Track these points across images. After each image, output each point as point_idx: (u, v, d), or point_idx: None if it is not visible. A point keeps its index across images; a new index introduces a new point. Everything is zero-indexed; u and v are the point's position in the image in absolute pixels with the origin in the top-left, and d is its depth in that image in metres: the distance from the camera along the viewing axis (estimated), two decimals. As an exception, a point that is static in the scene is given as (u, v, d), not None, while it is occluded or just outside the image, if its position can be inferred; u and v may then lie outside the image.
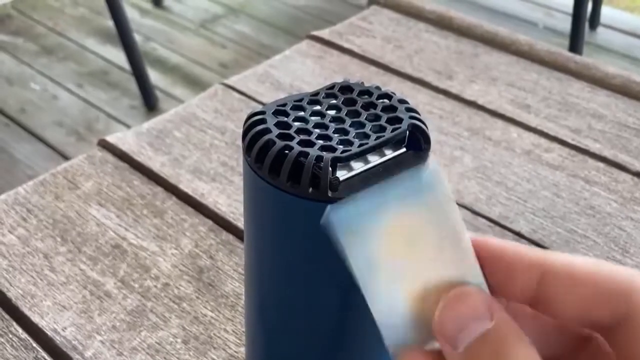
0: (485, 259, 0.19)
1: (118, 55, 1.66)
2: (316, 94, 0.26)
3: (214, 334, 0.37)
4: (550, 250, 0.25)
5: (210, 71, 1.72)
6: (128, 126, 1.52)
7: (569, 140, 0.53)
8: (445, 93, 0.58)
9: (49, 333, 0.37)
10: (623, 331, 0.17)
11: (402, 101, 0.26)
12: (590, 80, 0.60)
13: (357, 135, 0.24)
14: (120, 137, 0.52)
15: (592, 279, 0.18)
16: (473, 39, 0.65)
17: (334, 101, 0.26)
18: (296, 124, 0.24)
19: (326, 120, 0.25)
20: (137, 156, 0.50)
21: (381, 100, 0.26)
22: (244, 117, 0.26)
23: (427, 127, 0.25)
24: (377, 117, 0.25)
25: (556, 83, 0.60)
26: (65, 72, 1.70)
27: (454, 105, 0.56)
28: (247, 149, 0.24)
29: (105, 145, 0.52)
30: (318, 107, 0.25)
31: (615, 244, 0.44)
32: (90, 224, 0.45)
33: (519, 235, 0.45)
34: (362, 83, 0.27)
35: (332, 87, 0.27)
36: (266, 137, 0.24)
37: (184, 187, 0.48)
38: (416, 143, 0.24)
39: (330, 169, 0.22)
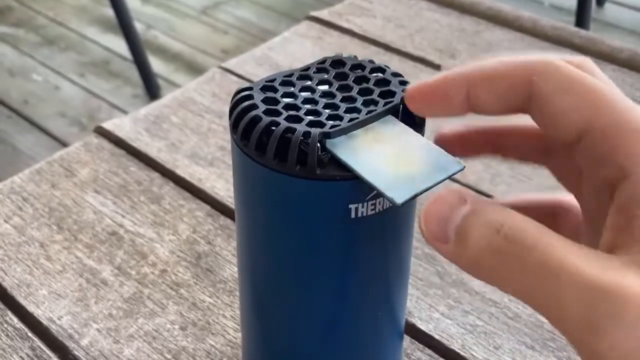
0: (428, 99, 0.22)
1: (119, 44, 1.65)
2: (306, 69, 0.25)
3: (213, 319, 0.37)
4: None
5: (213, 58, 1.71)
6: (131, 115, 1.52)
7: (575, 117, 0.52)
8: (447, 71, 0.57)
9: (44, 322, 0.36)
10: (535, 104, 0.21)
11: (395, 74, 0.25)
12: (596, 55, 0.58)
13: (348, 110, 0.23)
14: (116, 124, 0.51)
15: (501, 79, 0.21)
16: (475, 16, 0.64)
17: (325, 76, 0.25)
18: (285, 99, 0.24)
19: (316, 96, 0.24)
20: (133, 142, 0.50)
21: (374, 74, 0.25)
22: (242, 100, 0.25)
23: None
24: (369, 91, 0.24)
25: (561, 59, 0.58)
26: (67, 63, 1.70)
27: (456, 83, 0.55)
28: (234, 126, 0.23)
29: (101, 132, 0.51)
30: (308, 83, 0.24)
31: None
32: (86, 212, 0.44)
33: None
34: (355, 57, 0.26)
35: (323, 61, 0.26)
36: (252, 113, 0.23)
37: (181, 172, 0.47)
38: (410, 116, 0.23)
39: (318, 145, 0.21)
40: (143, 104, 1.56)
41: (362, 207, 0.22)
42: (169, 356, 0.35)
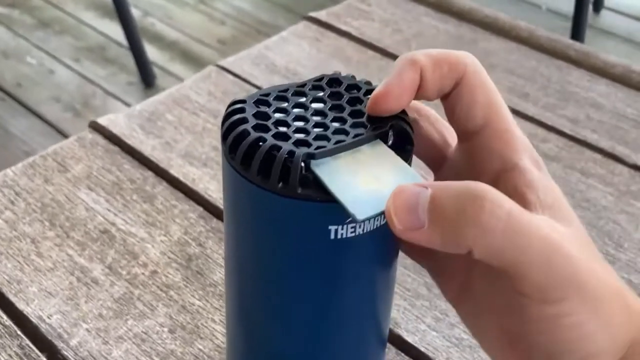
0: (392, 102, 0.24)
1: (116, 30, 1.64)
2: (303, 85, 0.25)
3: (202, 323, 0.37)
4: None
5: (209, 48, 1.70)
6: (125, 103, 1.51)
7: (567, 131, 0.53)
8: (443, 79, 0.57)
9: (34, 320, 0.36)
10: (461, 86, 0.25)
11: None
12: (590, 69, 0.59)
13: (337, 131, 0.23)
14: (111, 119, 0.52)
15: (444, 58, 0.24)
16: (473, 23, 0.64)
17: (320, 94, 0.25)
18: (276, 115, 0.24)
19: (308, 114, 0.24)
20: (128, 139, 0.50)
21: (369, 96, 0.25)
22: (238, 100, 0.25)
23: (411, 129, 0.24)
24: (360, 114, 0.24)
25: (555, 71, 0.59)
26: (62, 46, 1.69)
27: (451, 92, 0.55)
28: (223, 137, 0.23)
29: (96, 127, 0.51)
30: (302, 99, 0.25)
31: (609, 238, 0.44)
32: (79, 209, 0.44)
33: (512, 227, 0.44)
34: (353, 77, 0.26)
35: (320, 79, 0.26)
36: (242, 127, 0.23)
37: (175, 172, 0.47)
38: (400, 141, 0.24)
39: (302, 165, 0.22)
40: (138, 92, 1.55)
41: (342, 229, 0.22)
42: (157, 359, 0.35)
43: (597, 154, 0.51)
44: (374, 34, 0.63)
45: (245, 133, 0.23)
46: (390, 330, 0.37)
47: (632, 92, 0.57)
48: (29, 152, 1.33)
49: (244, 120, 0.23)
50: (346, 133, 0.23)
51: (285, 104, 0.24)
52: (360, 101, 0.25)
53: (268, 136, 0.23)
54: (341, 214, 0.22)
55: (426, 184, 0.21)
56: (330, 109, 0.24)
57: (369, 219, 0.21)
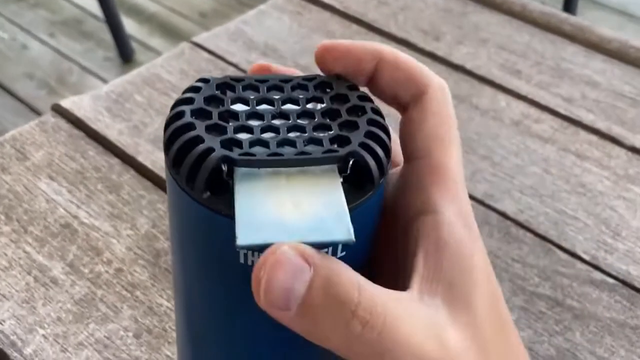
0: (338, 56, 0.22)
1: (93, 3, 1.58)
2: (288, 80, 0.22)
3: (169, 326, 0.34)
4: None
5: (190, 21, 1.65)
6: (102, 79, 1.46)
7: (561, 111, 0.50)
8: (432, 56, 0.54)
9: (-15, 327, 0.33)
10: (416, 107, 0.22)
11: (372, 122, 0.20)
12: (585, 44, 0.56)
13: (284, 143, 0.19)
14: (75, 102, 0.48)
15: (406, 65, 0.22)
16: (462, -4, 0.61)
17: (300, 95, 0.21)
18: (232, 107, 0.20)
19: (267, 113, 0.20)
20: (93, 123, 0.46)
21: (348, 114, 0.21)
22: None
23: (378, 165, 0.19)
24: (326, 129, 0.20)
25: (549, 46, 0.56)
26: (36, 20, 1.62)
27: (440, 69, 0.52)
28: (164, 128, 0.20)
29: (58, 110, 0.47)
30: (276, 96, 0.21)
31: (606, 226, 0.41)
32: (38, 200, 0.41)
33: (503, 216, 0.42)
34: (352, 86, 0.22)
35: (312, 78, 0.22)
36: (181, 108, 0.20)
37: (143, 159, 0.44)
38: (356, 179, 0.19)
39: (221, 167, 0.18)
40: (115, 67, 1.50)
41: (252, 255, 0.19)
42: (120, 367, 0.32)
43: (592, 135, 0.48)
44: (358, 7, 0.59)
45: (180, 115, 0.20)
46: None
47: (629, 69, 0.54)
48: (1, 131, 1.29)
49: (189, 101, 0.20)
50: (294, 147, 0.19)
51: (251, 95, 0.21)
52: (339, 115, 0.21)
53: (200, 126, 0.19)
54: None
55: (310, 258, 0.17)
56: (299, 115, 0.21)
57: (250, 248, 0.18)
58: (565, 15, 0.59)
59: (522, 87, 0.51)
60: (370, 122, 0.20)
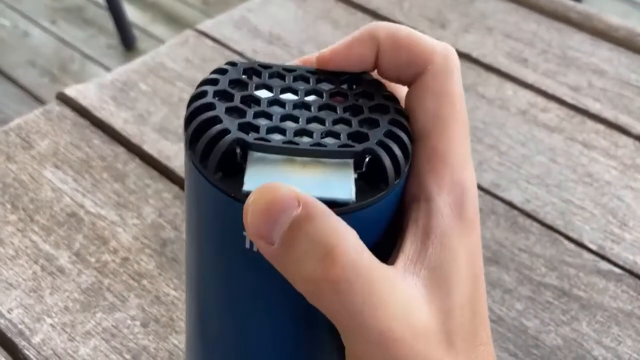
0: (340, 64, 0.22)
1: (94, -10, 1.57)
2: (315, 72, 0.22)
3: (177, 315, 0.34)
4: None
5: (192, 8, 1.64)
6: (104, 67, 1.46)
7: (568, 100, 0.49)
8: (437, 44, 0.53)
9: (-8, 316, 0.34)
10: (417, 85, 0.21)
11: (394, 122, 0.20)
12: (592, 32, 0.55)
13: (302, 132, 0.19)
14: (80, 90, 0.48)
15: (406, 42, 0.21)
16: (468, -17, 0.60)
17: (325, 87, 0.21)
18: (256, 92, 0.20)
19: (289, 102, 0.20)
20: (98, 112, 0.46)
21: (371, 112, 0.20)
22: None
23: (394, 165, 0.19)
24: (346, 124, 0.20)
25: (556, 34, 0.55)
26: (38, 7, 1.61)
27: (445, 57, 0.52)
28: (187, 106, 0.20)
29: (63, 99, 0.47)
30: (302, 86, 0.21)
31: (613, 216, 0.41)
32: (44, 189, 0.41)
33: (510, 205, 0.42)
34: (380, 85, 0.22)
35: (341, 73, 0.22)
36: (204, 88, 0.20)
37: (149, 148, 0.43)
38: (371, 178, 0.19)
39: (235, 149, 0.18)
40: (118, 55, 1.50)
41: None
42: (128, 356, 0.32)
43: (599, 125, 0.48)
44: (363, -6, 0.59)
45: (204, 94, 0.20)
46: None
47: (636, 57, 0.53)
48: (4, 119, 1.28)
49: (214, 82, 0.20)
50: (310, 137, 0.19)
51: (275, 83, 0.21)
52: (361, 112, 0.20)
53: (220, 107, 0.19)
54: None
55: (303, 200, 0.18)
56: (320, 108, 0.20)
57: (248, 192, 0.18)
58: (572, 3, 0.58)
59: (528, 76, 0.51)
60: (392, 122, 0.20)
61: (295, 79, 0.21)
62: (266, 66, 0.21)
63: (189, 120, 0.20)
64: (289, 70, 0.22)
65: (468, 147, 0.21)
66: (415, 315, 0.18)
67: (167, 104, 0.47)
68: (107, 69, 1.43)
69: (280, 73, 0.21)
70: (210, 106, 0.19)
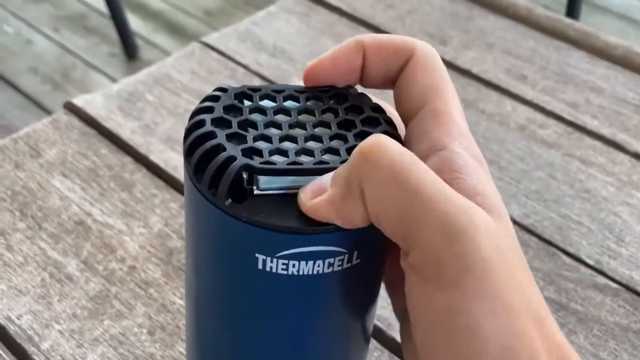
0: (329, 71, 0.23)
1: (97, -1, 1.58)
2: (302, 90, 0.23)
3: (183, 324, 0.35)
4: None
5: (195, 19, 1.65)
6: (107, 75, 1.47)
7: (566, 116, 0.50)
8: (438, 60, 0.54)
9: (1, 321, 0.34)
10: (406, 70, 0.23)
11: (386, 134, 0.21)
12: (589, 50, 0.57)
13: (303, 151, 0.20)
14: (87, 100, 0.49)
15: (389, 41, 0.23)
16: (469, 0, 0.61)
17: (315, 105, 0.22)
18: (251, 116, 0.21)
19: (285, 123, 0.21)
20: (105, 122, 0.47)
21: (363, 125, 0.22)
22: (222, 79, 0.23)
23: None
24: (342, 139, 0.21)
25: (554, 52, 0.56)
26: (41, 15, 1.63)
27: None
28: (185, 135, 0.21)
29: (71, 108, 0.48)
30: (294, 105, 0.22)
31: (610, 232, 0.42)
32: (52, 197, 0.41)
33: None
34: (366, 97, 0.23)
35: (326, 89, 0.23)
36: (201, 117, 0.21)
37: (155, 158, 0.44)
38: None
39: (242, 175, 0.19)
40: (120, 64, 1.51)
41: (271, 262, 0.19)
42: (135, 363, 0.33)
43: (597, 141, 0.49)
44: (366, 9, 0.60)
45: (202, 123, 0.21)
46: (384, 332, 0.35)
47: (633, 76, 0.54)
48: (7, 126, 1.29)
49: (209, 110, 0.21)
50: (312, 155, 0.20)
51: (268, 105, 0.22)
52: (354, 126, 0.22)
53: (221, 135, 0.20)
54: (271, 245, 0.19)
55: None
56: (315, 126, 0.21)
57: (268, 190, 0.20)
58: (570, 20, 0.60)
59: (527, 92, 0.52)
60: (385, 133, 0.21)
61: (285, 99, 0.22)
62: (255, 89, 0.22)
63: (190, 150, 0.20)
64: (278, 91, 0.22)
65: (463, 115, 0.23)
66: (480, 214, 0.19)
67: (173, 115, 0.48)
68: (110, 77, 1.44)
69: (270, 95, 0.22)
70: (211, 134, 0.20)
